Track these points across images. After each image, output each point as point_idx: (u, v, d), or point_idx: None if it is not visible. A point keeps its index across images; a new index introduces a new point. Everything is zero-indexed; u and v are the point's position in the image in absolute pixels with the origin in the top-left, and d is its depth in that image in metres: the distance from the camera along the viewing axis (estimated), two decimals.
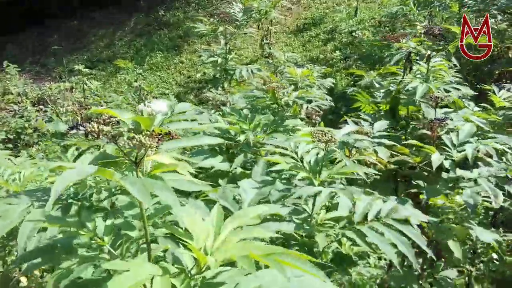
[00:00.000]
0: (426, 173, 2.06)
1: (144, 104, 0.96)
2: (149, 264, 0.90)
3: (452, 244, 1.89)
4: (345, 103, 5.49)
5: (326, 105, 3.19)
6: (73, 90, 6.68)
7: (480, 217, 2.29)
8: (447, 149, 1.94)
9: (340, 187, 1.40)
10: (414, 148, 2.22)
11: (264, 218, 1.30)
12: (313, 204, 1.51)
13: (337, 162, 1.64)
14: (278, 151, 1.63)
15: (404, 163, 2.04)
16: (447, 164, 1.83)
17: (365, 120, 2.78)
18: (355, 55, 7.14)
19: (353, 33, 7.56)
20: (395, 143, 1.97)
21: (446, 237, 1.91)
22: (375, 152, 2.10)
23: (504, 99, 2.69)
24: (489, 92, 2.77)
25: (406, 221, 1.51)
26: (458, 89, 2.34)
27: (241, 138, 1.99)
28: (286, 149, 1.67)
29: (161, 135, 0.89)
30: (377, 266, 2.86)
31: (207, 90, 5.02)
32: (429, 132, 1.99)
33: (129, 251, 1.03)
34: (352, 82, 6.63)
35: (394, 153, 2.08)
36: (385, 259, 2.97)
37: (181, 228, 0.98)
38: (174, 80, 7.67)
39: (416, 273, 2.15)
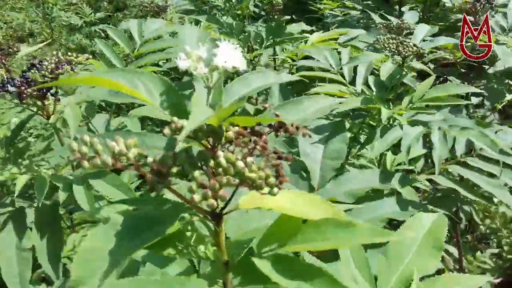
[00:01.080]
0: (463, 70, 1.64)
1: (206, 60, 0.37)
2: None
3: None
4: None
5: None
6: None
7: None
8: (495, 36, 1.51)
9: (435, 119, 0.92)
10: None
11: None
12: (381, 156, 1.05)
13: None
14: (309, 74, 1.11)
15: (441, 60, 1.60)
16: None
17: (353, 9, 2.27)
18: None
19: None
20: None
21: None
22: None
23: None
24: None
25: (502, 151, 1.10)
26: None
27: None
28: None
29: (260, 135, 0.36)
30: None
31: None
32: (470, 18, 1.53)
33: None
34: None
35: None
36: None
37: None
38: None
39: None
